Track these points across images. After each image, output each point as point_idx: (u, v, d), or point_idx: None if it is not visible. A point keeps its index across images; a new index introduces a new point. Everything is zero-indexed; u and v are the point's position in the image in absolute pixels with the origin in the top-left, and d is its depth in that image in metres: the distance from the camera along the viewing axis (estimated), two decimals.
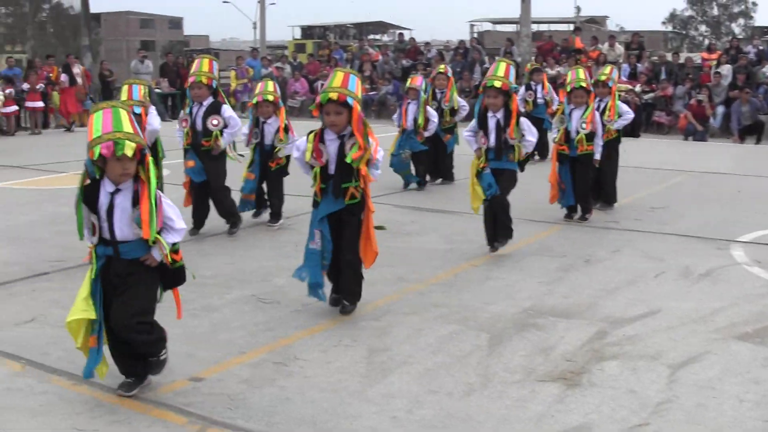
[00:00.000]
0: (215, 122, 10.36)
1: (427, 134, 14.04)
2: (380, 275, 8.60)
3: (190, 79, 10.46)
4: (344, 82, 7.15)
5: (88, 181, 5.54)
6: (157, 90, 31.77)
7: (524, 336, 6.87)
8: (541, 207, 11.77)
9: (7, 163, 18.34)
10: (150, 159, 5.55)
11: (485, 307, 7.65)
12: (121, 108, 5.47)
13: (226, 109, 10.52)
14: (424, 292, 8.15)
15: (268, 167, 11.08)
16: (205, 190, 10.65)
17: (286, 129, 11.06)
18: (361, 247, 7.41)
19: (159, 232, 5.55)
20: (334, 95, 7.06)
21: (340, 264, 7.41)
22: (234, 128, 10.51)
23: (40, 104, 26.38)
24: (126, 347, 5.73)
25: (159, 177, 9.54)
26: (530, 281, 8.52)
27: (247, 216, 11.26)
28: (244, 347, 6.67)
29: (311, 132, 7.35)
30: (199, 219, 10.75)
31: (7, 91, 24.82)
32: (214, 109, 10.44)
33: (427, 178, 14.71)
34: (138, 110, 9.56)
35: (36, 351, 6.56)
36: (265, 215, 11.56)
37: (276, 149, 11.00)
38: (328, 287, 7.56)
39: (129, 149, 5.30)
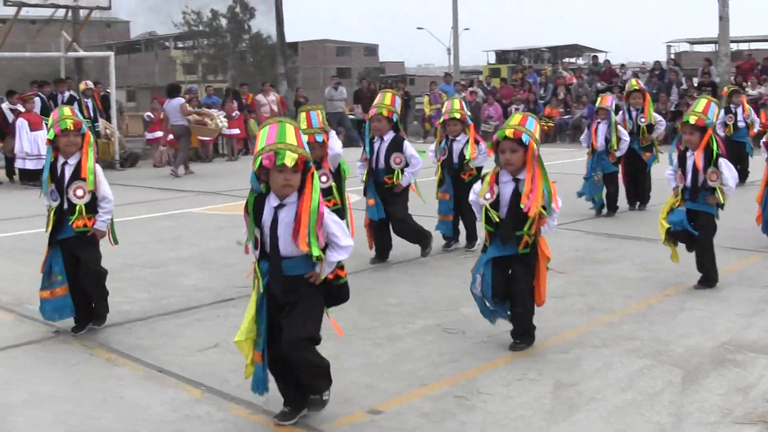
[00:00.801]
0: (398, 160, 10.28)
1: (618, 154, 13.59)
2: (570, 305, 8.33)
3: (371, 112, 10.40)
4: (522, 122, 6.93)
5: (255, 195, 5.54)
6: (351, 116, 32.19)
7: (721, 373, 6.44)
8: (740, 233, 11.15)
9: (203, 189, 18.83)
10: (314, 172, 5.49)
11: (679, 340, 7.24)
12: (287, 123, 5.44)
13: (408, 147, 10.41)
14: (615, 324, 7.79)
15: (460, 183, 10.86)
16: (387, 225, 10.58)
17: (477, 141, 10.89)
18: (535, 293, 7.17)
19: (324, 249, 5.46)
20: (509, 132, 6.85)
21: (514, 317, 7.16)
22: (415, 167, 10.37)
23: (237, 131, 27.03)
24: (289, 374, 5.67)
25: (342, 199, 9.58)
26: (728, 313, 8.03)
27: (437, 243, 11.13)
28: (426, 379, 6.49)
29: (487, 173, 7.16)
30: (381, 251, 10.68)
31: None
32: (396, 146, 10.35)
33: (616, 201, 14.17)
34: (320, 138, 9.47)
35: (216, 378, 6.58)
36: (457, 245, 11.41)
37: (466, 160, 10.80)
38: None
39: (290, 159, 5.25)
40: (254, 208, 5.52)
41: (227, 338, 7.53)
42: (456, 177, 10.92)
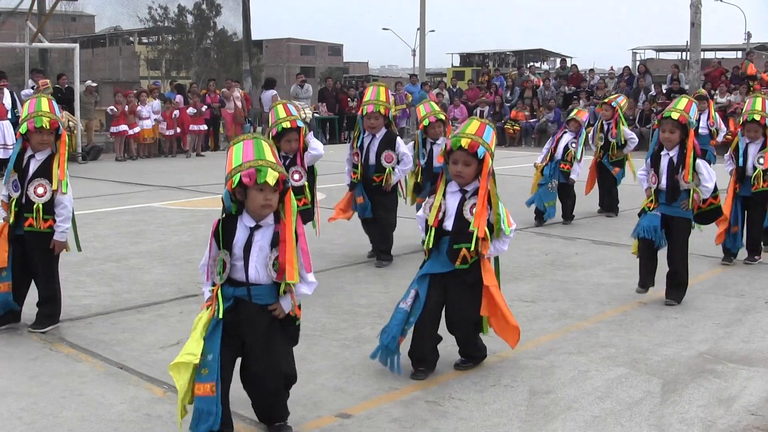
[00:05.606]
0: (389, 158, 9.99)
1: (573, 176, 13.20)
2: (543, 310, 8.16)
3: (367, 108, 9.94)
4: (479, 131, 6.32)
5: (224, 215, 5.19)
6: (316, 114, 32.06)
7: (701, 384, 6.27)
8: (712, 241, 10.96)
9: (166, 184, 18.57)
10: (291, 195, 5.15)
11: (656, 349, 7.07)
12: (263, 140, 5.13)
13: (401, 144, 10.10)
14: (589, 330, 7.61)
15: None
16: (373, 222, 10.28)
17: None
18: (500, 328, 6.51)
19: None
20: (465, 143, 6.22)
21: (456, 340, 6.68)
22: (406, 165, 10.11)
23: (204, 127, 26.90)
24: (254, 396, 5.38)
25: (313, 199, 9.41)
26: (705, 322, 7.88)
27: (404, 242, 10.94)
28: (396, 383, 6.28)
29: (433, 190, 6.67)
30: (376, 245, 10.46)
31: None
32: (388, 143, 10.03)
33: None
34: (301, 124, 9.31)
35: None
36: None
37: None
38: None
39: (271, 177, 4.94)
40: (223, 232, 5.13)
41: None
42: (434, 181, 10.55)
